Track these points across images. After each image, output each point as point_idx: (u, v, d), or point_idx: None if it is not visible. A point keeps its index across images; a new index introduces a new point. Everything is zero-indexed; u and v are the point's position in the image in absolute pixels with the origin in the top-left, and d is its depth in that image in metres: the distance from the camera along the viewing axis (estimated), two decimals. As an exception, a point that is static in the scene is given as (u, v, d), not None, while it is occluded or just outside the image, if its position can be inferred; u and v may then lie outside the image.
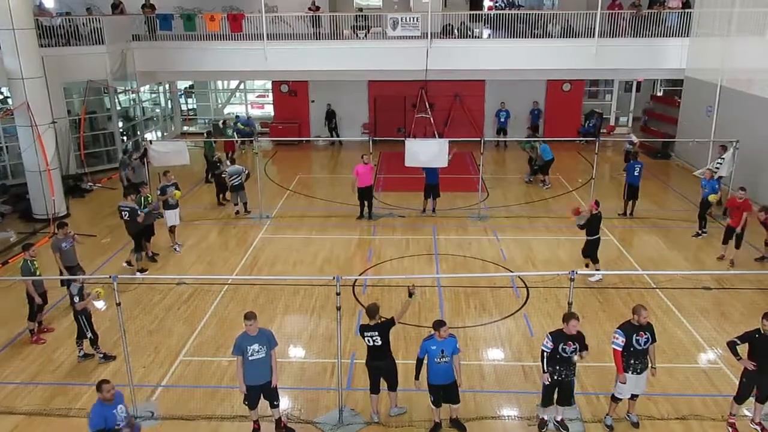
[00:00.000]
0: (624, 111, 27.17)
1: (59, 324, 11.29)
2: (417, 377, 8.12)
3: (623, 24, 21.98)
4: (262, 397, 8.14)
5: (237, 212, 16.95)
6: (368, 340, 8.26)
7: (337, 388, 8.76)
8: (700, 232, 15.14)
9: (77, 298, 9.84)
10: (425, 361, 8.05)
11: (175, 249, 14.58)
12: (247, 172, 16.83)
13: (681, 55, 21.77)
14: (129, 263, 13.57)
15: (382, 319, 8.31)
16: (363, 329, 8.29)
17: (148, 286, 12.62)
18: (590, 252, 12.73)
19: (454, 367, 8.01)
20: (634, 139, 21.00)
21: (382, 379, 8.50)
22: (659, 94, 27.04)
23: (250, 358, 7.83)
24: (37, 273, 10.73)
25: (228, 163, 17.39)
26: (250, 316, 7.85)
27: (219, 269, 13.67)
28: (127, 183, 17.21)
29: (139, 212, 13.16)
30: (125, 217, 13.26)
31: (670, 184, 19.79)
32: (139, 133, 24.30)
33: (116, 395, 6.99)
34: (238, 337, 7.91)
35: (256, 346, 7.82)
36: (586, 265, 12.82)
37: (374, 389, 8.53)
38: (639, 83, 26.78)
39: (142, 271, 13.39)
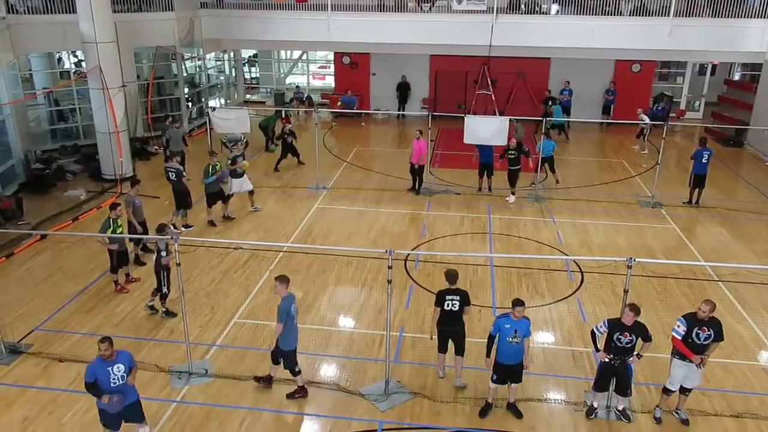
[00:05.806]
0: (696, 95, 26.01)
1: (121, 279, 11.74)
2: (488, 354, 8.11)
3: (701, 2, 20.90)
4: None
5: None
6: (447, 304, 8.40)
7: (384, 359, 8.88)
8: None
9: (164, 253, 10.20)
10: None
11: (256, 209, 15.27)
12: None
13: (762, 38, 20.57)
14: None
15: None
16: (445, 293, 8.43)
17: (206, 249, 13.01)
18: None
19: (523, 349, 7.99)
20: (646, 119, 20.09)
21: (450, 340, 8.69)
22: (735, 78, 25.72)
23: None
24: (118, 232, 11.06)
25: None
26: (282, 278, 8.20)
27: (275, 236, 13.95)
28: (165, 146, 17.83)
29: (184, 174, 13.96)
30: (172, 178, 13.89)
31: (741, 174, 18.92)
32: (203, 99, 24.87)
33: (119, 354, 7.07)
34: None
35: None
36: None
37: (442, 349, 8.80)
38: (714, 66, 25.52)
39: (186, 227, 14.11)
